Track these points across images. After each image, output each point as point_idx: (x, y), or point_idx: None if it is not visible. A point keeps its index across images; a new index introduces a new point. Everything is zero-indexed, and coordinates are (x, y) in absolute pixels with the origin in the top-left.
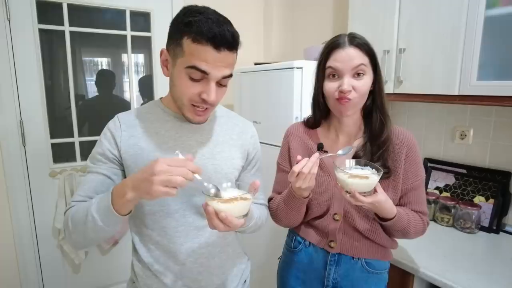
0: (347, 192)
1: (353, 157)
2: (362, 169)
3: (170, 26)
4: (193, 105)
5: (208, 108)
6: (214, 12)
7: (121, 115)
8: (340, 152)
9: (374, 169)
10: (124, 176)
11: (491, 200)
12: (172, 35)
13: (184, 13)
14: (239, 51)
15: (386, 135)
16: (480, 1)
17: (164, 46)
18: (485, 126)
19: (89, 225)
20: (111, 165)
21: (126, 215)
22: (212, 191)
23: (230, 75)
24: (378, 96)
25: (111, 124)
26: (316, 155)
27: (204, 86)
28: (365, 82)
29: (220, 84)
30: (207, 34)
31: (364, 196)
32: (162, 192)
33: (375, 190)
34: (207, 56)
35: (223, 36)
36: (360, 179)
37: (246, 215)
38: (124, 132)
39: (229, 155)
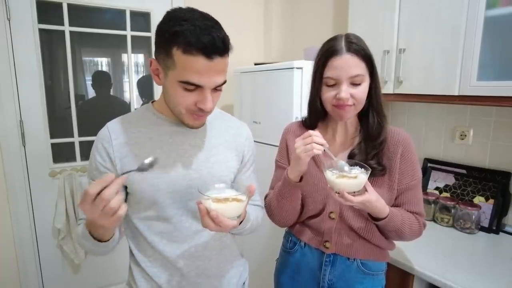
0: (336, 192)
1: (348, 156)
2: (351, 169)
3: (156, 35)
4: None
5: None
6: (200, 16)
7: (110, 124)
8: (342, 162)
9: (362, 168)
10: (125, 186)
11: (491, 201)
12: (160, 44)
13: (169, 21)
14: (238, 51)
15: (383, 137)
16: (480, 1)
17: None
18: (485, 126)
19: (91, 250)
20: None
21: (110, 238)
22: (214, 191)
23: (224, 82)
24: (375, 99)
25: (101, 135)
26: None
27: (199, 95)
28: (363, 89)
29: (215, 89)
30: (197, 44)
31: (354, 195)
32: (112, 222)
33: (366, 190)
34: (199, 67)
35: (213, 44)
36: (348, 179)
37: (239, 216)
38: (115, 141)
39: (224, 158)
